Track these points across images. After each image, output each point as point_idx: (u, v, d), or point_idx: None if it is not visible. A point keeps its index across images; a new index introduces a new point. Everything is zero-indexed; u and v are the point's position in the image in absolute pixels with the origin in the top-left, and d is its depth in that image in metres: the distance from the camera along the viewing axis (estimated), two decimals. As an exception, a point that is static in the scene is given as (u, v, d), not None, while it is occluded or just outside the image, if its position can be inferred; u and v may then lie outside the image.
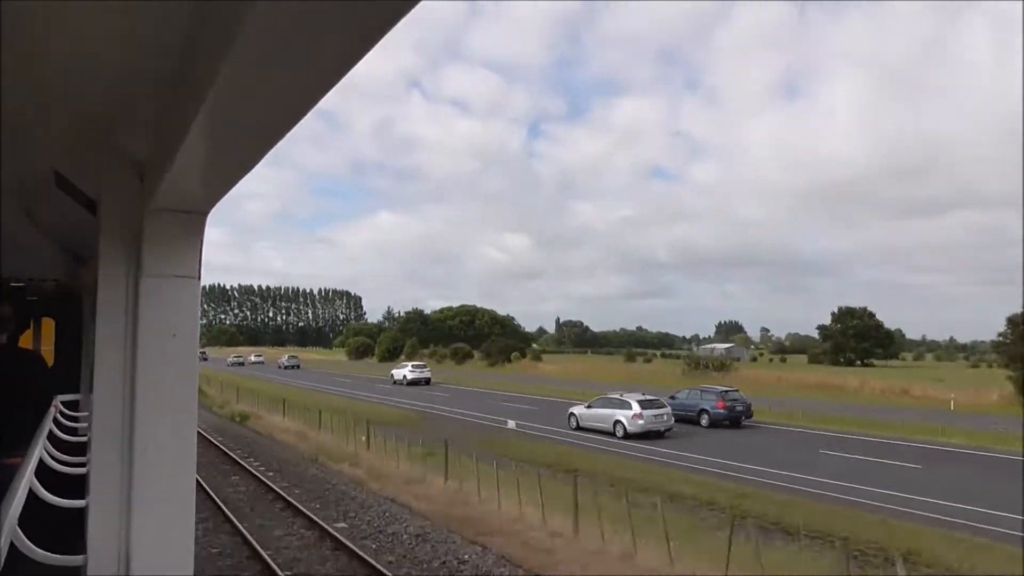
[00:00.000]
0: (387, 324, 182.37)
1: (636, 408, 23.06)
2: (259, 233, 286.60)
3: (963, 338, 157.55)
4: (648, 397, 25.03)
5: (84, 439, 3.02)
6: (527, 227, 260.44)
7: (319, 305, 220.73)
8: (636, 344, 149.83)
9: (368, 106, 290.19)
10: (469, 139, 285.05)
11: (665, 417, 23.61)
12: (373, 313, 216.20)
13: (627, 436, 22.67)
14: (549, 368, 67.01)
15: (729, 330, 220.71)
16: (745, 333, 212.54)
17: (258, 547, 10.50)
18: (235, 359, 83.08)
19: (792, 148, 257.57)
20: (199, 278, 1.86)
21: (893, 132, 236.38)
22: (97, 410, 1.87)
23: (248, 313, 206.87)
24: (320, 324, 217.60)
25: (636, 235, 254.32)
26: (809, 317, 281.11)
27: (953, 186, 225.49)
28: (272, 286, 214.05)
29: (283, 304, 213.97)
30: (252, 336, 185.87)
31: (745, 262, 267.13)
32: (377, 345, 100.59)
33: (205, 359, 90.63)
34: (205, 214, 1.83)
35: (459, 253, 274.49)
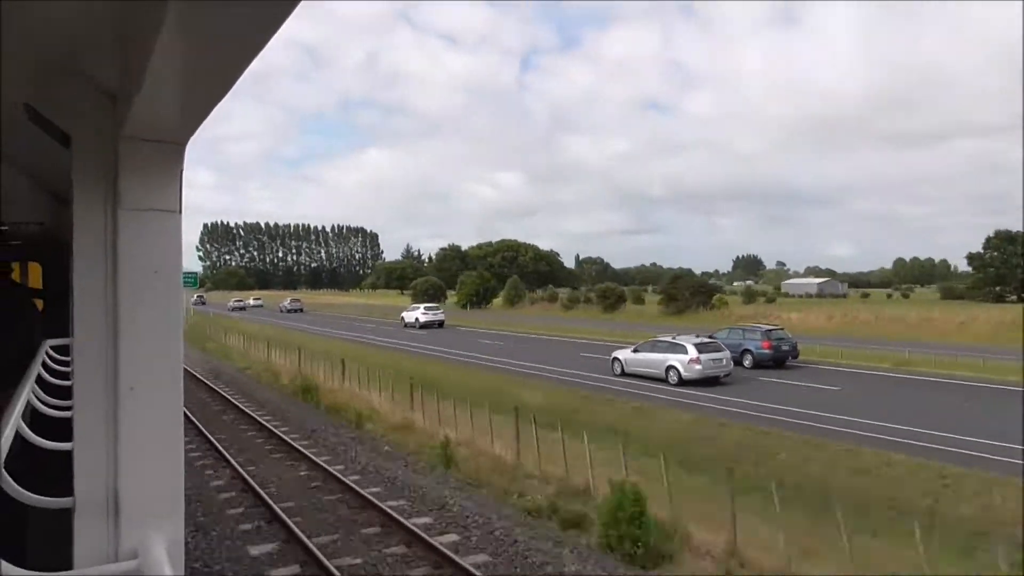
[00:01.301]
0: (415, 263, 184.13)
1: (693, 352, 22.83)
2: (247, 173, 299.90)
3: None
4: (704, 339, 24.85)
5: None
6: (520, 163, 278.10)
7: (332, 243, 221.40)
8: (656, 281, 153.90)
9: (354, 40, 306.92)
10: (459, 73, 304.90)
11: (724, 361, 23.46)
12: (390, 252, 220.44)
13: (682, 383, 22.58)
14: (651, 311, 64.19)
15: (748, 265, 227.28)
16: (765, 268, 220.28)
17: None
18: (236, 303, 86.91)
19: (788, 78, 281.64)
20: (180, 212, 1.94)
21: (890, 61, 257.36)
22: (79, 350, 1.94)
23: (255, 253, 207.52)
24: (334, 264, 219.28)
25: (630, 170, 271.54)
26: (809, 249, 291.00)
27: (948, 116, 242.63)
28: (281, 223, 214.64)
29: (293, 243, 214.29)
30: (260, 278, 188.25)
31: (738, 195, 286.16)
32: (460, 287, 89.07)
33: (203, 303, 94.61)
34: (182, 144, 1.91)
35: (451, 191, 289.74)
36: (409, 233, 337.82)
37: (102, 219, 1.91)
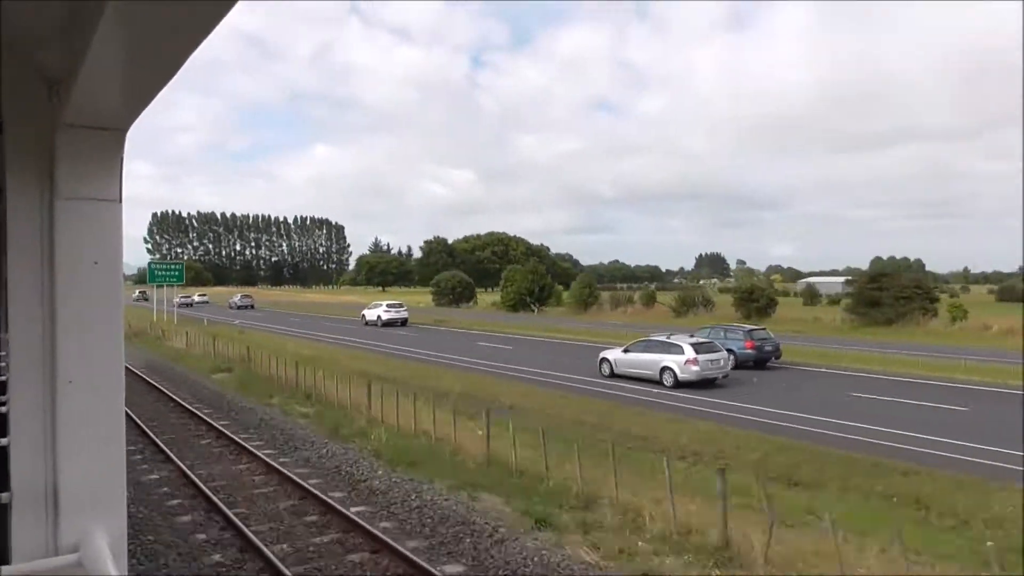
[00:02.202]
0: (399, 258, 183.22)
1: (690, 352, 22.90)
2: (190, 166, 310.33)
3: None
4: (701, 339, 25.32)
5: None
6: (470, 161, 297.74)
7: (295, 236, 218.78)
8: (625, 279, 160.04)
9: (304, 32, 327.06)
10: (411, 69, 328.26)
11: (722, 362, 23.71)
12: (356, 246, 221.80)
13: (678, 385, 22.63)
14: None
15: (712, 262, 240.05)
16: (729, 266, 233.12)
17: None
18: (183, 299, 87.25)
19: (739, 79, 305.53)
20: (120, 201, 1.99)
21: (839, 64, 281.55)
22: (14, 345, 1.99)
23: (210, 246, 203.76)
24: (296, 258, 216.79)
25: (580, 169, 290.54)
26: (761, 250, 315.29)
27: (896, 119, 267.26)
28: (239, 213, 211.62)
29: (251, 235, 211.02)
30: (217, 273, 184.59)
31: (688, 196, 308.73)
32: (505, 284, 78.06)
33: (145, 299, 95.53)
34: (123, 131, 1.95)
35: (401, 188, 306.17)
36: (357, 229, 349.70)
37: (38, 210, 1.95)
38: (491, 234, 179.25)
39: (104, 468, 1.97)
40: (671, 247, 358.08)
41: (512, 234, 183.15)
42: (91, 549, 1.86)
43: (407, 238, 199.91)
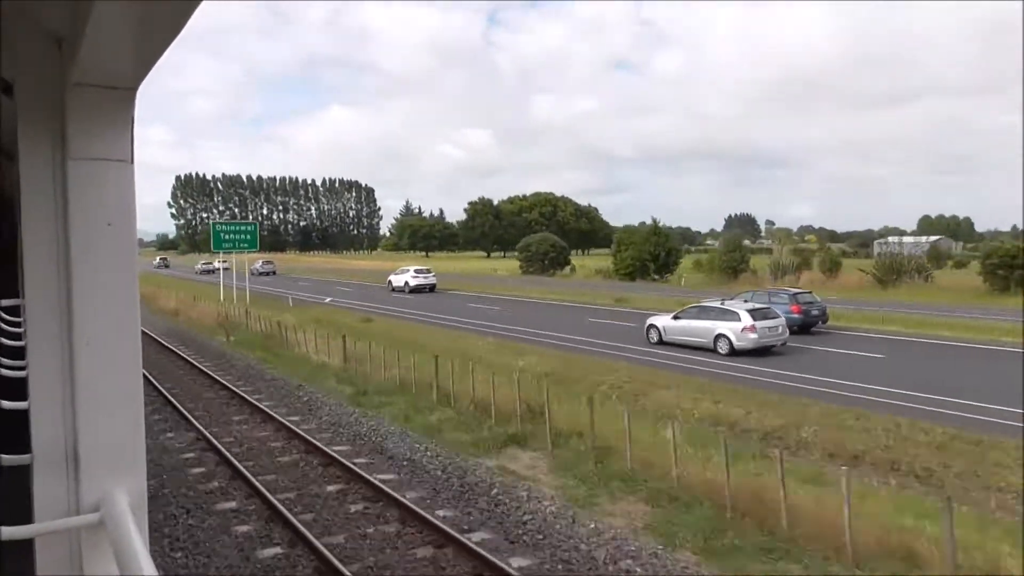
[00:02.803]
0: (441, 221, 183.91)
1: (747, 319, 22.72)
2: (204, 131, 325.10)
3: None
4: (758, 304, 25.25)
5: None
6: (486, 122, 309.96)
7: (323, 199, 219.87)
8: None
9: None
10: (426, 30, 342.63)
11: (780, 329, 23.51)
12: (387, 210, 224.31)
13: (733, 353, 22.52)
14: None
15: (743, 223, 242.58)
16: (759, 226, 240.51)
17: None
18: (204, 265, 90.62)
19: (758, 38, 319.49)
20: (132, 162, 2.05)
21: (857, 23, 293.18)
22: (31, 308, 2.09)
23: (236, 211, 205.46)
24: (326, 223, 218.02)
25: (597, 129, 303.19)
26: (778, 210, 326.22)
27: (915, 77, 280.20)
28: (265, 176, 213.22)
29: (279, 199, 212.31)
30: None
31: (706, 156, 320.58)
32: (619, 248, 68.41)
33: (166, 266, 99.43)
34: (133, 90, 2.00)
35: (416, 151, 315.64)
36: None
37: (50, 171, 2.01)
38: (537, 195, 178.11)
39: (123, 429, 2.06)
40: (689, 207, 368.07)
41: (559, 194, 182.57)
42: (112, 508, 1.93)
43: (417, 200, 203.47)
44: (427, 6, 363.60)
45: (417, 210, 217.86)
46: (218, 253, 47.56)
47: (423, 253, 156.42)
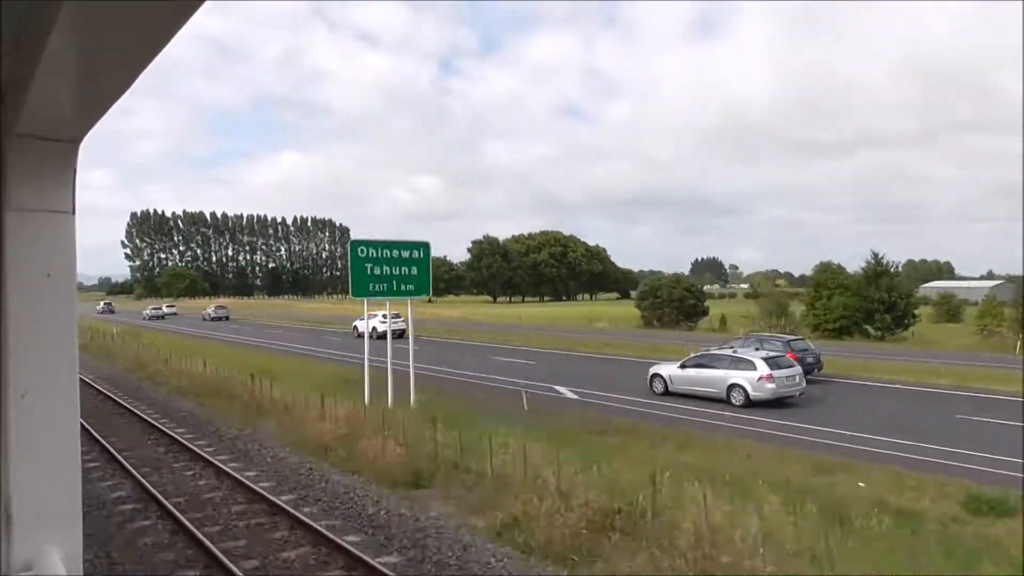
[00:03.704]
0: (444, 262, 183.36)
1: (763, 367, 22.73)
2: (149, 174, 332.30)
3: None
4: (773, 353, 25.31)
5: None
6: (438, 167, 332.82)
7: (294, 239, 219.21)
8: (633, 284, 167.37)
9: (267, 36, 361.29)
10: (378, 75, 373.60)
11: (797, 378, 23.53)
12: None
13: (749, 404, 22.43)
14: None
15: (708, 267, 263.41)
16: (726, 269, 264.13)
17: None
18: (153, 310, 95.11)
19: (704, 87, 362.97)
20: (73, 213, 2.15)
21: (801, 72, 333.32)
22: None
23: (198, 251, 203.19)
24: (295, 264, 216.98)
25: (549, 175, 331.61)
26: (726, 254, 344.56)
27: (855, 126, 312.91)
28: (231, 214, 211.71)
29: (246, 238, 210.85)
30: (210, 281, 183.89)
31: (655, 202, 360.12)
32: (819, 294, 56.32)
33: (111, 311, 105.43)
34: (77, 142, 2.12)
35: (368, 195, 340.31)
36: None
37: None
38: (544, 233, 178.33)
39: (59, 483, 2.12)
40: (637, 252, 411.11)
41: (567, 233, 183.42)
42: (45, 566, 2.00)
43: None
44: (379, 51, 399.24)
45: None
46: (364, 304, 26.61)
47: (425, 299, 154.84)
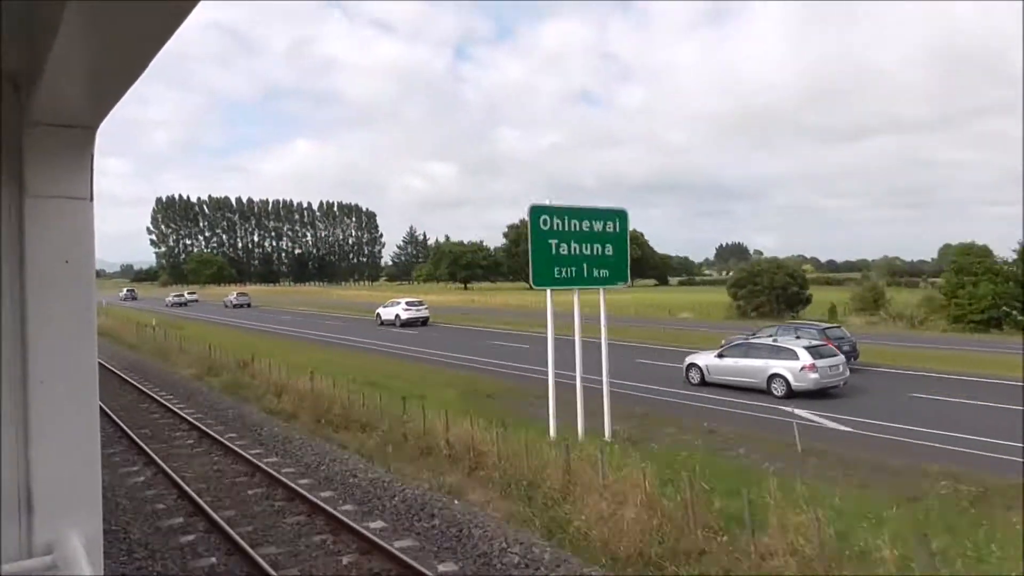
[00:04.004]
0: (479, 248, 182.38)
1: (806, 357, 22.40)
2: (165, 163, 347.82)
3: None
4: (815, 341, 25.08)
5: None
6: (452, 154, 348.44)
7: (319, 225, 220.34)
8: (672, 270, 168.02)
9: (283, 25, 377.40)
10: (392, 62, 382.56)
11: (840, 368, 23.21)
12: (388, 236, 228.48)
13: (791, 395, 22.08)
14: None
15: (733, 252, 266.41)
16: (751, 254, 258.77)
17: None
18: (176, 298, 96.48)
19: (720, 72, 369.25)
20: (91, 199, 2.24)
21: (817, 58, 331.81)
22: None
23: (224, 236, 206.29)
24: (322, 251, 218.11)
25: (562, 161, 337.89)
26: (740, 239, 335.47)
27: (871, 112, 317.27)
28: (257, 199, 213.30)
29: (271, 224, 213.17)
30: (236, 268, 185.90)
31: (668, 187, 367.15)
32: (958, 282, 50.82)
33: (134, 298, 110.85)
34: (93, 129, 2.20)
35: (381, 182, 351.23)
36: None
37: (7, 207, 2.14)
38: None
39: (78, 468, 2.20)
40: (653, 237, 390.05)
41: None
42: (66, 551, 2.07)
43: (382, 231, 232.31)
44: (393, 39, 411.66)
45: (422, 236, 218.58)
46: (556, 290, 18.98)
47: (462, 284, 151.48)
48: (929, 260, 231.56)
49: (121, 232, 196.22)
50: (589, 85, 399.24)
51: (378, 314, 55.55)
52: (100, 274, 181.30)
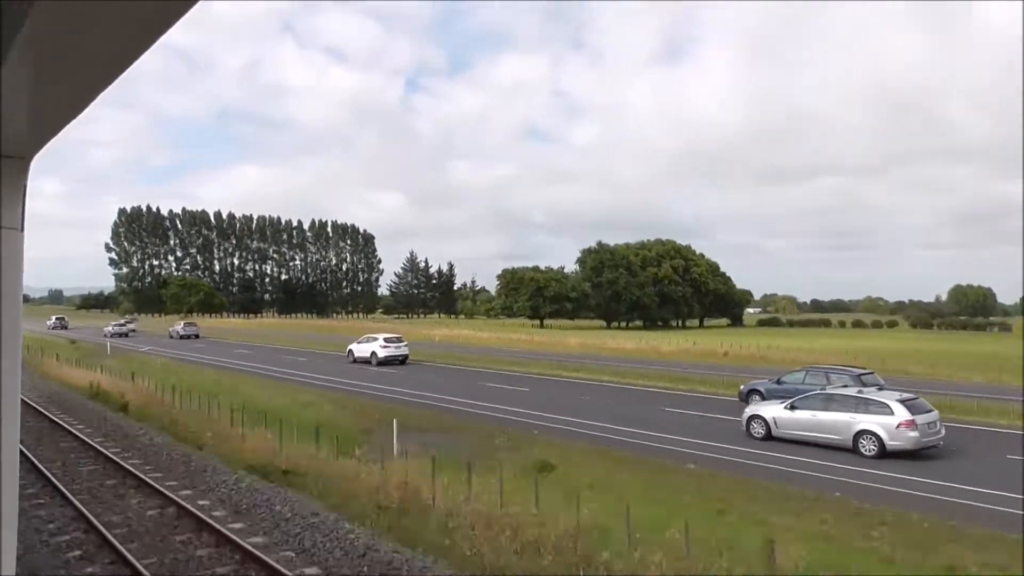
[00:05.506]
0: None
1: (902, 411, 21.97)
2: (105, 185, 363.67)
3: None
4: (906, 394, 24.74)
5: None
6: (402, 185, 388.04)
7: (310, 246, 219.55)
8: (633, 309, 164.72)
9: (234, 48, 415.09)
10: (344, 90, 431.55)
11: (937, 424, 22.89)
12: (387, 261, 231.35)
13: (883, 455, 21.68)
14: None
15: None
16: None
17: None
18: (116, 326, 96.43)
19: (668, 112, 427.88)
20: (22, 229, 2.38)
21: (762, 101, 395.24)
22: None
23: (198, 257, 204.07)
24: (311, 277, 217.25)
25: (513, 195, 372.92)
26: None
27: (813, 153, 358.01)
28: (238, 214, 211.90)
29: (253, 243, 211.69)
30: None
31: (617, 225, 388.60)
32: None
33: (64, 327, 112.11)
34: (26, 159, 2.36)
35: (328, 209, 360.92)
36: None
37: None
38: (658, 242, 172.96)
39: None
40: None
41: (682, 243, 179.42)
42: None
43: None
44: (346, 67, 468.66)
45: (423, 263, 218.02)
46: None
47: (537, 323, 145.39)
48: (856, 300, 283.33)
49: (49, 257, 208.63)
50: (542, 121, 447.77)
51: (350, 351, 57.14)
52: (26, 300, 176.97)
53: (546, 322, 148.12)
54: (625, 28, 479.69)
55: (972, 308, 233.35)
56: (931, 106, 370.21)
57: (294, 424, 23.15)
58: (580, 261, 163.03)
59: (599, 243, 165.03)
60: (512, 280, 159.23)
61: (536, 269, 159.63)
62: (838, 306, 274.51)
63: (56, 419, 27.88)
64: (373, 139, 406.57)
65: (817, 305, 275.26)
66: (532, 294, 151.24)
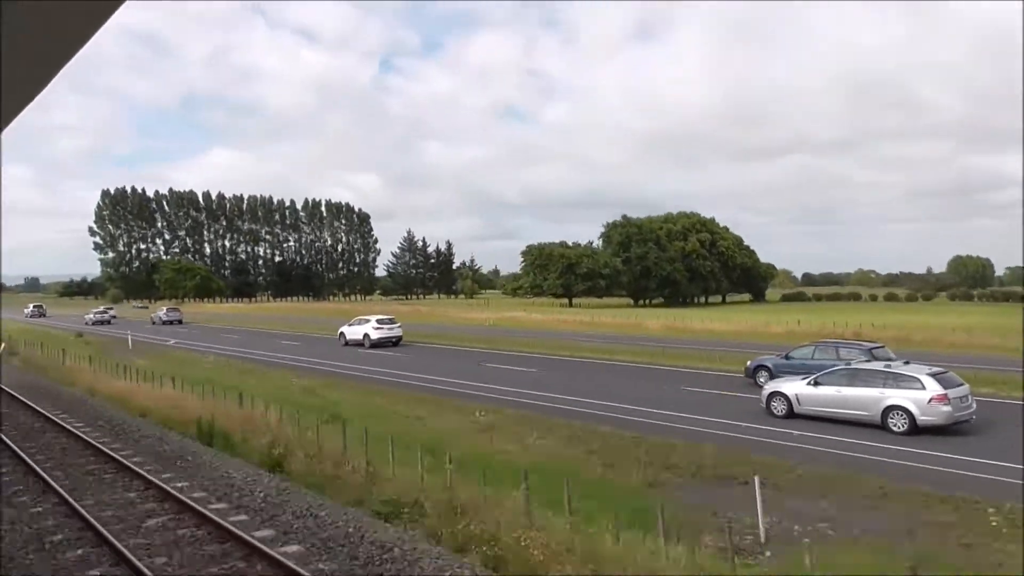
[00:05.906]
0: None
1: (933, 386, 21.76)
2: (69, 172, 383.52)
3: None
4: (936, 367, 24.34)
5: None
6: (376, 166, 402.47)
7: (304, 226, 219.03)
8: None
9: (202, 31, 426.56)
10: (316, 72, 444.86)
11: (968, 399, 22.60)
12: (383, 241, 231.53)
13: (915, 431, 21.49)
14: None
15: None
16: None
17: None
18: (97, 314, 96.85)
19: (642, 91, 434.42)
20: None
21: (735, 79, 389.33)
22: None
23: (188, 240, 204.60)
24: (306, 259, 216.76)
25: (487, 176, 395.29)
26: None
27: (786, 132, 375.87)
28: (228, 194, 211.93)
29: (246, 224, 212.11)
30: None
31: (591, 203, 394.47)
32: None
33: (42, 315, 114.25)
34: None
35: (303, 192, 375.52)
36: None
37: None
38: (682, 215, 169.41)
39: None
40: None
41: (706, 216, 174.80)
42: None
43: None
44: (317, 48, 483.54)
45: (421, 242, 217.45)
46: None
47: (566, 301, 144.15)
48: (848, 273, 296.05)
49: (23, 244, 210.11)
50: (515, 100, 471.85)
51: (342, 333, 57.88)
52: (2, 288, 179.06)
53: (574, 301, 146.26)
54: (599, 7, 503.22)
55: (972, 279, 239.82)
56: (901, 84, 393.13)
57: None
58: (604, 236, 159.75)
59: (624, 216, 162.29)
60: (540, 257, 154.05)
61: (564, 245, 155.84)
62: (829, 279, 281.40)
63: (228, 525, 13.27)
64: (347, 121, 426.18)
65: (809, 279, 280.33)
66: (563, 271, 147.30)
